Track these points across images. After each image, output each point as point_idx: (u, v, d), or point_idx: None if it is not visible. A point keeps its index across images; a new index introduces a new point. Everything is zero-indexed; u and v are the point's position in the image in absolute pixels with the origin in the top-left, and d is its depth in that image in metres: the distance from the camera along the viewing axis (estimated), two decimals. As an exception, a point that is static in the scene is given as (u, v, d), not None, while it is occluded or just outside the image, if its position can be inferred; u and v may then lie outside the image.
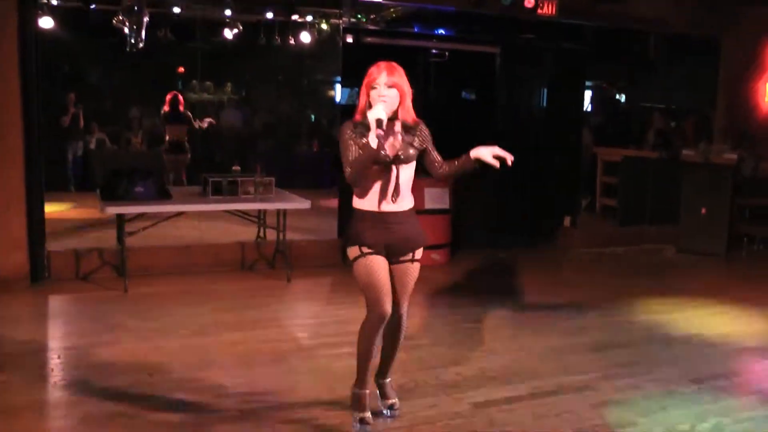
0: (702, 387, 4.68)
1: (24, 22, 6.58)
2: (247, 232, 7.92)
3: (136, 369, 4.78)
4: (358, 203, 3.80)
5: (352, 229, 3.80)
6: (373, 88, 3.64)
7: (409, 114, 3.74)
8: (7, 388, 4.44)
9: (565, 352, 5.30)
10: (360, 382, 3.96)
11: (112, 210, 6.57)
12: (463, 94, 14.13)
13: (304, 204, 7.20)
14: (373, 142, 3.52)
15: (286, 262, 7.35)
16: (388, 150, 3.58)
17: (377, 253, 3.75)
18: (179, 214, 7.12)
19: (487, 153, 3.70)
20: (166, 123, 10.47)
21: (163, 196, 6.95)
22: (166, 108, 10.44)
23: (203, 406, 4.22)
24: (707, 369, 5.05)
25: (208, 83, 20.10)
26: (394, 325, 3.91)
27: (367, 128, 3.58)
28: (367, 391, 3.97)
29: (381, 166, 3.65)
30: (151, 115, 14.73)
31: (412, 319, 5.85)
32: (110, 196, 6.74)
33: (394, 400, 4.12)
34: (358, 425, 3.91)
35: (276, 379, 4.66)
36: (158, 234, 7.17)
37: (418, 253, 3.88)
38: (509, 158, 3.67)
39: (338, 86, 20.01)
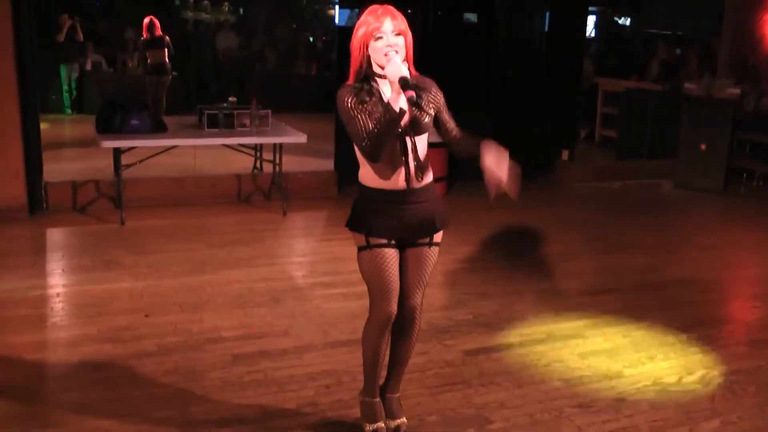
0: (692, 336, 4.72)
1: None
2: (244, 162, 7.91)
3: (132, 309, 4.83)
4: (367, 180, 3.14)
5: (358, 211, 3.19)
6: (378, 38, 2.93)
7: (412, 68, 3.05)
8: (8, 328, 4.50)
9: (556, 297, 5.34)
10: (369, 390, 3.41)
11: (108, 144, 6.55)
12: (465, 16, 13.89)
13: (300, 138, 7.15)
14: (397, 105, 2.84)
15: (282, 195, 7.34)
16: (407, 117, 2.95)
17: (387, 244, 3.16)
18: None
19: (493, 162, 3.04)
20: (145, 48, 10.60)
21: (159, 128, 6.89)
22: (144, 35, 10.52)
23: (198, 350, 4.28)
24: (698, 316, 5.09)
25: (205, 2, 19.78)
26: (405, 320, 3.29)
27: (369, 91, 3.00)
28: (378, 400, 3.43)
29: (395, 138, 3.00)
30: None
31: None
32: (106, 128, 6.69)
33: (401, 420, 3.45)
34: None
35: (270, 322, 4.71)
36: (154, 163, 7.15)
37: (438, 237, 3.26)
38: (512, 192, 3.09)
39: (337, 7, 19.66)
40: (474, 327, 4.76)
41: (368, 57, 2.99)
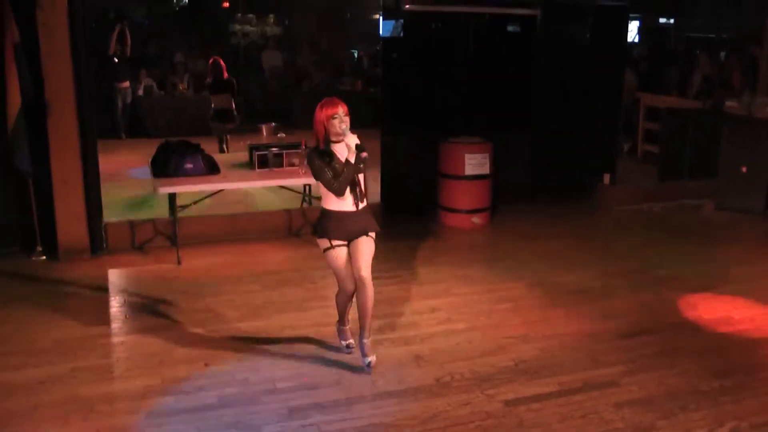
0: (724, 384, 4.89)
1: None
2: (293, 195, 8.20)
3: (192, 358, 5.17)
4: (329, 205, 4.86)
5: (323, 225, 4.88)
6: (334, 118, 4.70)
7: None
8: (81, 379, 4.88)
9: (594, 340, 5.55)
10: (341, 321, 5.28)
11: (165, 190, 6.87)
12: (509, 28, 13.95)
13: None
14: (353, 159, 4.73)
15: (329, 230, 7.64)
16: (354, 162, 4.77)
17: (341, 244, 4.86)
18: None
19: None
20: (210, 92, 10.54)
21: (212, 170, 7.22)
22: (208, 78, 10.50)
23: (255, 403, 4.59)
24: (732, 362, 5.23)
25: (250, 15, 20.18)
26: (360, 285, 4.85)
27: (332, 154, 4.76)
28: (347, 327, 5.27)
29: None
30: (195, 58, 14.91)
31: (451, 297, 6.27)
32: (161, 172, 7.05)
33: (371, 359, 5.02)
34: (345, 348, 5.24)
35: (321, 373, 5.00)
36: (207, 200, 7.49)
37: (372, 233, 4.96)
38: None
39: (381, 19, 19.85)
40: (514, 374, 5.00)
41: (327, 130, 4.74)
